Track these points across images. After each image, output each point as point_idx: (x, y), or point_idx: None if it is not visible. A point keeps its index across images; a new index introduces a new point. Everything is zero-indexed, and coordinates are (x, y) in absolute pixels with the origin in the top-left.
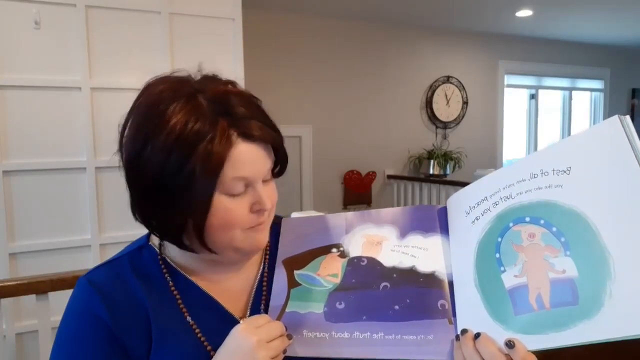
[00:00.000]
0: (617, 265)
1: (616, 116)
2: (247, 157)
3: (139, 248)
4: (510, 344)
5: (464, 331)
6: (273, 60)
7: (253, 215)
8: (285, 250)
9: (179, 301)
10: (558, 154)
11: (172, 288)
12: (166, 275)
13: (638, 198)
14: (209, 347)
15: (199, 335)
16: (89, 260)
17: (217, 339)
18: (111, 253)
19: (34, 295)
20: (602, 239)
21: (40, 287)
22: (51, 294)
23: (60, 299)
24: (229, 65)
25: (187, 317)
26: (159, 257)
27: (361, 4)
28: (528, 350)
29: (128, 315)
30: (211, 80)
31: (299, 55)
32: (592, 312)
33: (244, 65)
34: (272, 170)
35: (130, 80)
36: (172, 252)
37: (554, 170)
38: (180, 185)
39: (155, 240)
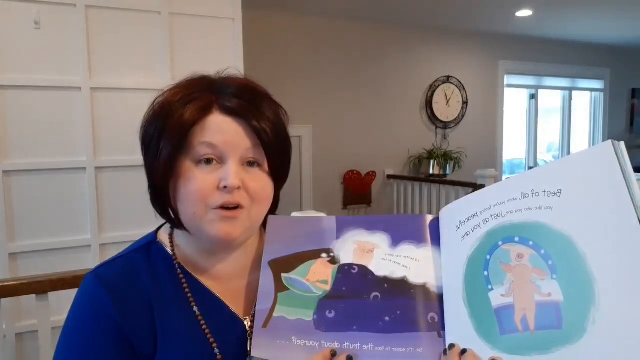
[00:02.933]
0: (602, 293)
1: (609, 141)
2: (218, 125)
3: (148, 244)
4: None
5: (452, 346)
6: (273, 61)
7: (218, 192)
8: (272, 250)
9: (190, 298)
10: (550, 175)
11: (185, 285)
12: (178, 271)
13: (626, 226)
14: (214, 345)
15: (205, 330)
16: (89, 260)
17: (222, 338)
18: (111, 253)
19: (34, 295)
20: (589, 265)
21: (40, 287)
22: (51, 294)
23: (60, 299)
24: (229, 65)
25: (197, 313)
26: (170, 253)
27: (361, 4)
28: None
29: (136, 312)
30: (232, 76)
31: (299, 56)
32: (575, 338)
33: (244, 65)
34: (270, 167)
35: (130, 80)
36: (181, 247)
37: (544, 191)
38: (155, 147)
39: (163, 238)
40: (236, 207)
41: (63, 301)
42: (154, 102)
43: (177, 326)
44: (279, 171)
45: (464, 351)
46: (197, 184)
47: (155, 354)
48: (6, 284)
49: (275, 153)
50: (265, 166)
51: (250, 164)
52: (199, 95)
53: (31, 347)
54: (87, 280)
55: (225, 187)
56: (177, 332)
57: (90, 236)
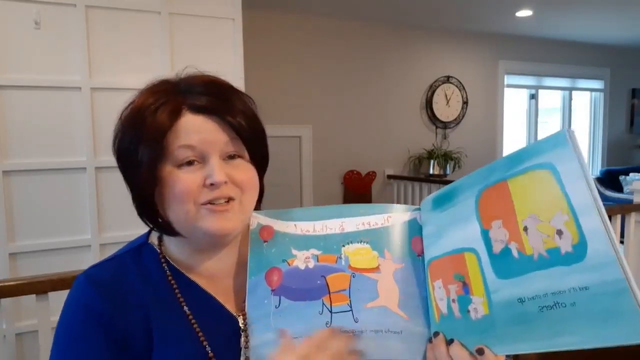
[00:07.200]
0: None
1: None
2: (192, 126)
3: (139, 246)
4: (480, 351)
5: (436, 334)
6: (273, 60)
7: (205, 189)
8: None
9: (180, 298)
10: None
11: (174, 286)
12: (167, 273)
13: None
14: (205, 343)
15: (197, 329)
16: (89, 260)
17: (215, 337)
18: (111, 253)
19: (34, 295)
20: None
21: (40, 287)
22: (51, 294)
23: (60, 299)
24: (229, 65)
25: (187, 312)
26: (159, 255)
27: (361, 4)
28: (496, 355)
29: (129, 310)
30: (194, 74)
31: (299, 56)
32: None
33: (244, 65)
34: (251, 158)
35: (130, 80)
36: (171, 249)
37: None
38: (134, 158)
39: (154, 239)
40: (227, 200)
41: (63, 301)
42: (121, 115)
43: (170, 326)
44: (260, 161)
45: (450, 341)
46: (183, 185)
47: (150, 353)
48: (6, 284)
49: (255, 145)
50: (247, 156)
51: (231, 157)
52: (166, 100)
53: (31, 347)
54: (78, 281)
55: (211, 184)
56: (169, 332)
57: (90, 236)
